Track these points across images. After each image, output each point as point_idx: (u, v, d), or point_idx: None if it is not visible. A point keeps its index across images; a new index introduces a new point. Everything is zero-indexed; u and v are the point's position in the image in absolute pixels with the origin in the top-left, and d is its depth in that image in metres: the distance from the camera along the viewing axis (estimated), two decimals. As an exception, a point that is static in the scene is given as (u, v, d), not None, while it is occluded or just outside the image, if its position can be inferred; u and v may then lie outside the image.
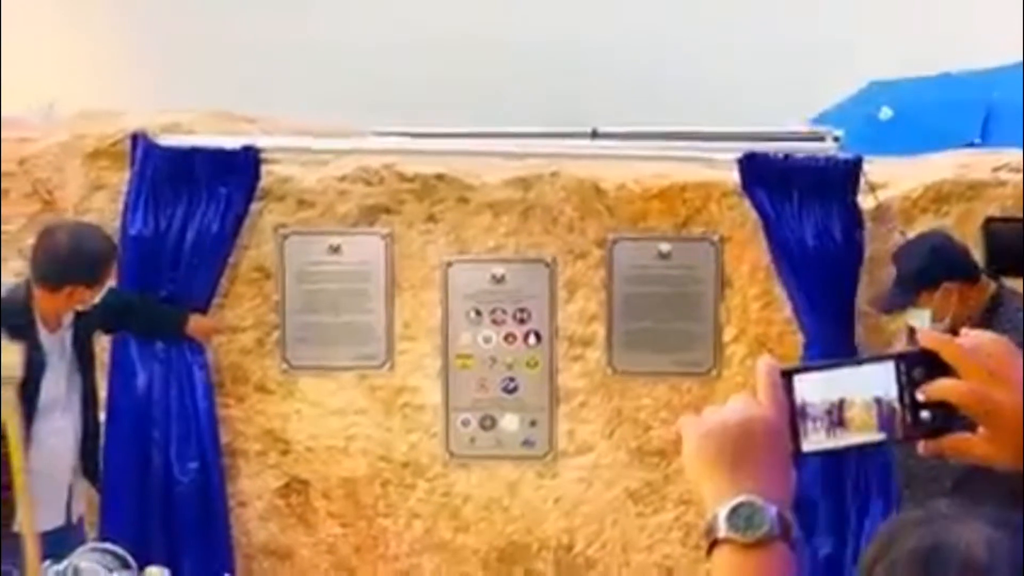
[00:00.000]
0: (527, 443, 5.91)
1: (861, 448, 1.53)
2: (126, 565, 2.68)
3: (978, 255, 5.01)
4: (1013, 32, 7.12)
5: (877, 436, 1.51)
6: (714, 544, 1.45)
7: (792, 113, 6.88)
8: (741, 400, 1.49)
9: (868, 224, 5.58)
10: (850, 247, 5.53)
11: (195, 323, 5.73)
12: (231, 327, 5.91)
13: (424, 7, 10.03)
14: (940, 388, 1.48)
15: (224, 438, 5.87)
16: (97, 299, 5.10)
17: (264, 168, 5.77)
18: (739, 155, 5.57)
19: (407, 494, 5.94)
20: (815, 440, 1.50)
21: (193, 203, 5.67)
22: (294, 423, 5.95)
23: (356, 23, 9.86)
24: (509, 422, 5.90)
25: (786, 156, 5.55)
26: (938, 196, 5.69)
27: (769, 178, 5.53)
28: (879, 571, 1.53)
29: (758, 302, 5.78)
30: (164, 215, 5.66)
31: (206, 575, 5.51)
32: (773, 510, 1.44)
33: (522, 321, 5.85)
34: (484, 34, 9.71)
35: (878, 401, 1.49)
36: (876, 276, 5.53)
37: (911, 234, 5.37)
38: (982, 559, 1.47)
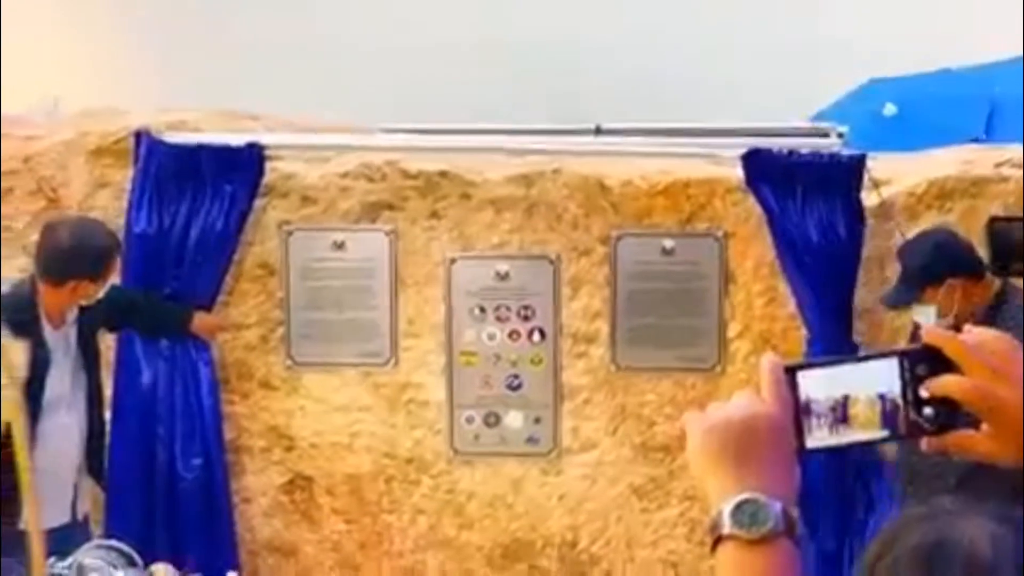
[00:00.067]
0: (531, 440, 5.91)
1: (865, 445, 1.53)
2: (132, 562, 2.68)
3: (983, 253, 5.00)
4: (1011, 28, 7.11)
5: (881, 433, 1.51)
6: (718, 540, 1.45)
7: (793, 112, 6.88)
8: (745, 397, 1.49)
9: (871, 221, 5.58)
10: (854, 243, 5.53)
11: (199, 320, 5.73)
12: (235, 324, 5.92)
13: (426, 6, 10.03)
14: (943, 384, 1.48)
15: (228, 435, 5.88)
16: (101, 294, 5.11)
17: (268, 165, 5.77)
18: (743, 151, 5.56)
19: (411, 491, 5.95)
20: (819, 437, 1.50)
21: (197, 200, 5.67)
22: (298, 419, 5.96)
23: (359, 22, 9.86)
24: (513, 419, 5.90)
25: (790, 152, 5.55)
26: (942, 192, 5.69)
27: (773, 174, 5.53)
28: (883, 567, 1.53)
29: (762, 298, 5.78)
30: (168, 212, 5.66)
31: (210, 572, 5.51)
32: (777, 506, 1.44)
33: (526, 318, 5.86)
34: (485, 34, 9.71)
35: (882, 398, 1.50)
36: (883, 272, 5.53)
37: (915, 230, 5.37)
38: (985, 555, 1.47)
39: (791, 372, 1.50)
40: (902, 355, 1.51)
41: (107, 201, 5.84)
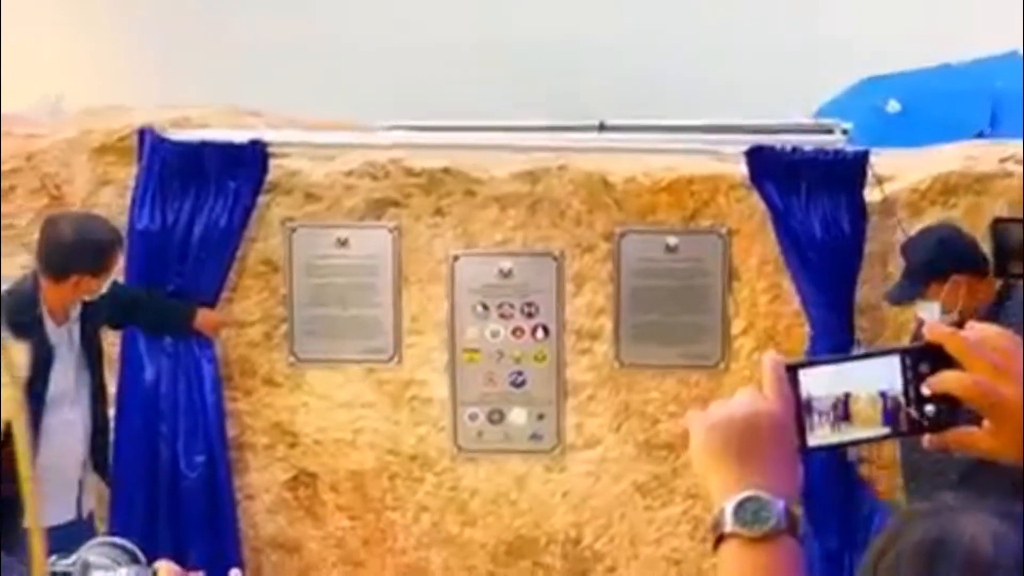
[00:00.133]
0: (535, 437, 5.91)
1: (866, 443, 1.53)
2: (135, 559, 2.67)
3: (987, 250, 5.00)
4: (1011, 27, 7.10)
5: (882, 430, 1.51)
6: (721, 538, 1.45)
7: (794, 111, 6.87)
8: (747, 395, 1.50)
9: (874, 217, 5.58)
10: (858, 240, 5.53)
11: (203, 317, 5.73)
12: (239, 321, 5.92)
13: (426, 6, 10.02)
14: (945, 381, 1.48)
15: (232, 431, 5.88)
16: (103, 289, 5.11)
17: (272, 162, 5.77)
18: (747, 148, 5.56)
19: (415, 487, 5.95)
20: (821, 434, 1.50)
21: (200, 197, 5.67)
22: (302, 416, 5.96)
23: (359, 22, 9.85)
24: (517, 416, 5.90)
25: (794, 148, 5.55)
26: (946, 188, 5.68)
27: (777, 170, 5.53)
28: (885, 564, 1.54)
29: (766, 295, 5.78)
30: (171, 209, 5.66)
31: (214, 568, 5.51)
32: (780, 504, 1.44)
33: (530, 315, 5.85)
34: (486, 34, 9.71)
35: (883, 395, 1.50)
36: (886, 269, 5.53)
37: (919, 226, 5.37)
38: (987, 552, 1.47)
39: (792, 370, 1.50)
40: (903, 352, 1.51)
41: (110, 198, 5.84)
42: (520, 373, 5.88)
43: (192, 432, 5.73)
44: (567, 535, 5.93)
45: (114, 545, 2.68)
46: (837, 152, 5.58)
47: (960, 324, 1.55)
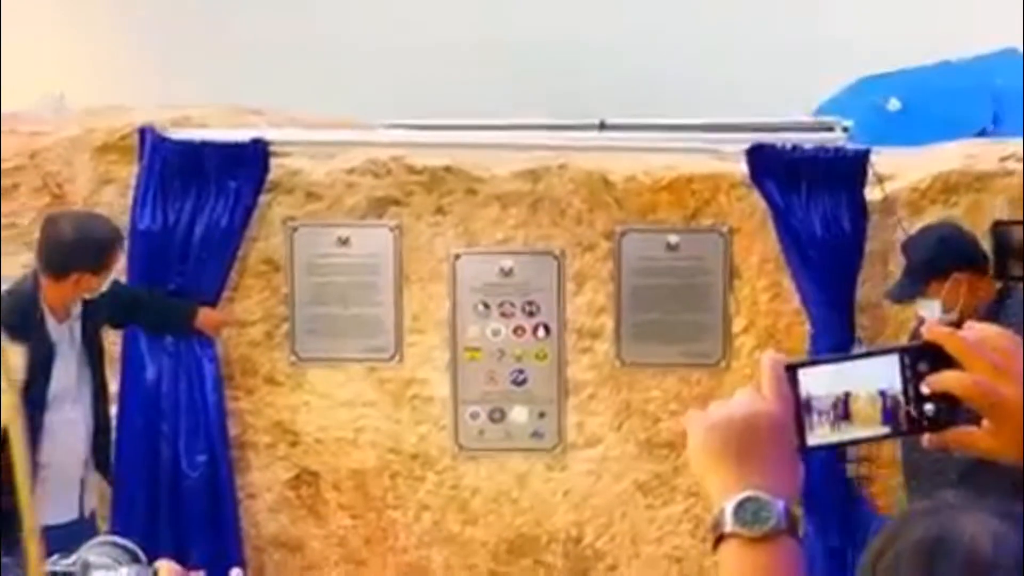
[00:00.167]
0: (536, 435, 5.92)
1: (866, 442, 1.53)
2: (136, 559, 2.68)
3: (987, 249, 5.00)
4: (1011, 27, 7.10)
5: (882, 430, 1.51)
6: (720, 539, 1.45)
7: (793, 109, 6.86)
8: (746, 394, 1.49)
9: (875, 215, 5.58)
10: (859, 238, 5.53)
11: (204, 316, 5.73)
12: (240, 320, 5.92)
13: (426, 6, 10.01)
14: (944, 381, 1.48)
15: (233, 430, 5.88)
16: (104, 287, 5.11)
17: (273, 161, 5.77)
18: (747, 146, 5.56)
19: (416, 486, 5.95)
20: (820, 434, 1.50)
21: (202, 196, 5.68)
22: (303, 415, 5.96)
23: (359, 21, 9.84)
24: (518, 414, 5.91)
25: (794, 147, 5.55)
26: (946, 187, 5.68)
27: (778, 169, 5.53)
28: (885, 563, 1.53)
29: (767, 293, 5.78)
30: (173, 209, 5.66)
31: (216, 567, 5.51)
32: (780, 504, 1.44)
33: (531, 314, 5.86)
34: (485, 34, 9.69)
35: (883, 394, 1.49)
36: (886, 267, 5.53)
37: (920, 224, 5.37)
38: (986, 551, 1.47)
39: (792, 370, 1.50)
40: (903, 351, 1.51)
41: (112, 197, 5.84)
42: (521, 372, 5.88)
43: (194, 431, 5.73)
44: (568, 534, 5.93)
45: (115, 544, 2.68)
46: (838, 150, 5.58)
47: (961, 323, 1.55)
